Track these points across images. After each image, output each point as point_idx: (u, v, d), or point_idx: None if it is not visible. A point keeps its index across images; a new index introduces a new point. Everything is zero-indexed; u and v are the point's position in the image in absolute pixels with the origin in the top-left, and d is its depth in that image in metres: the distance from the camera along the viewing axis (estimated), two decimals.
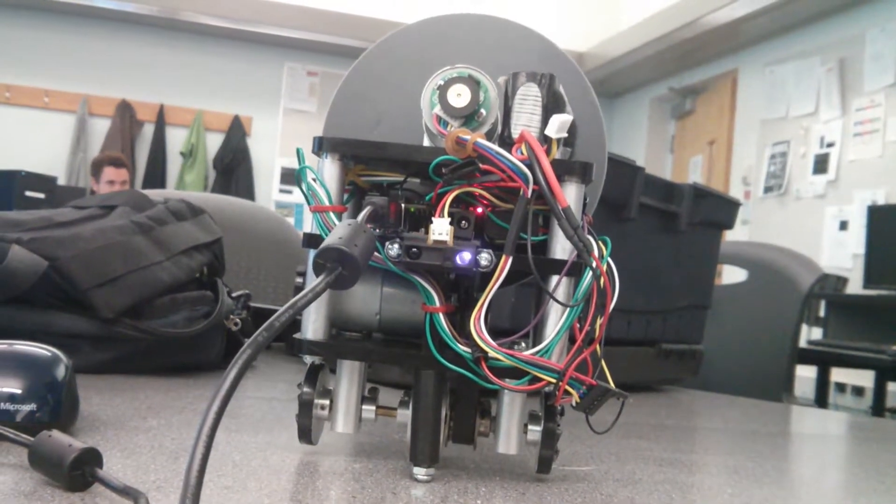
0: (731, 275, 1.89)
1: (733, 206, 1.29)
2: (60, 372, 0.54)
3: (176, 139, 6.52)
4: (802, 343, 2.58)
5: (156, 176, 6.36)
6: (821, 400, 3.43)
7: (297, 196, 6.66)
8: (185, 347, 0.85)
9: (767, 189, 5.39)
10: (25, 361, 0.54)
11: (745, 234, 5.31)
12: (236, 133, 6.57)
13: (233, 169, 6.50)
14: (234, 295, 0.97)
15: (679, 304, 1.20)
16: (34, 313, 0.76)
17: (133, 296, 0.80)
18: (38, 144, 6.09)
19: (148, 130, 6.50)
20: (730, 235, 1.45)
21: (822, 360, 3.39)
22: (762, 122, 5.51)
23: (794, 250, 1.83)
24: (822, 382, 3.47)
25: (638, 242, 1.09)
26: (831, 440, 0.95)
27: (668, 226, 1.14)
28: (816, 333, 3.98)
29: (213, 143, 6.57)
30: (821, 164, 4.98)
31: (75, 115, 6.29)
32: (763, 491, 0.58)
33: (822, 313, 3.98)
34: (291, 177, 6.67)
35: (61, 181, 5.61)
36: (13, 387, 0.51)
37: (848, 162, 4.78)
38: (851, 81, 4.82)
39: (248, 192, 6.41)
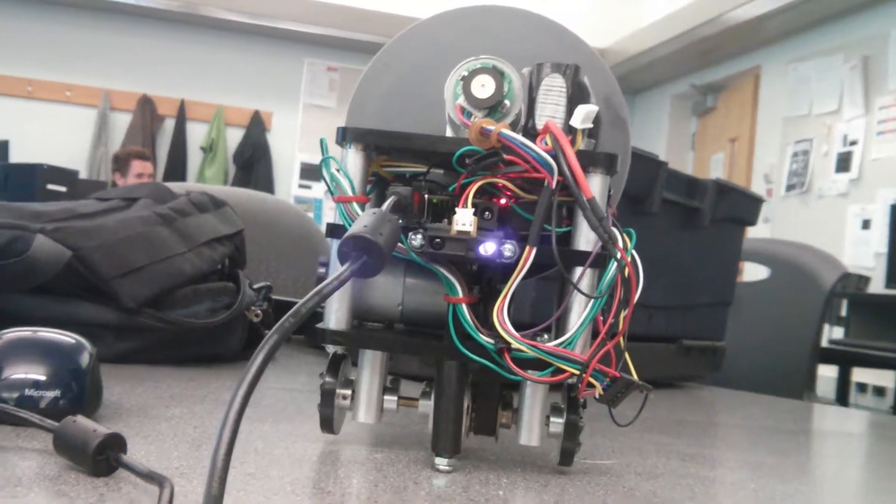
0: (754, 272, 1.88)
1: (756, 202, 1.28)
2: (84, 359, 0.54)
3: (196, 134, 6.55)
4: (824, 342, 2.57)
5: (176, 170, 6.39)
6: (842, 400, 3.40)
7: (316, 191, 6.67)
8: (207, 338, 0.85)
9: (790, 187, 5.36)
10: (49, 348, 0.54)
11: (767, 233, 5.27)
12: (256, 128, 6.59)
13: (253, 164, 6.52)
14: (255, 287, 0.97)
15: (701, 301, 1.19)
16: (58, 303, 0.77)
17: (156, 286, 0.80)
18: (60, 138, 6.13)
19: (169, 125, 6.53)
20: (751, 233, 1.43)
21: (844, 359, 3.36)
22: (784, 119, 5.47)
23: (816, 247, 1.82)
24: (844, 382, 3.44)
25: (660, 237, 1.08)
26: (853, 438, 0.95)
27: (690, 221, 1.13)
28: (838, 333, 3.94)
29: (234, 137, 6.60)
30: (843, 163, 4.94)
31: (97, 109, 6.33)
32: (786, 486, 0.58)
33: (843, 312, 3.95)
34: (311, 172, 6.69)
35: (83, 175, 5.64)
36: (37, 373, 0.52)
37: (871, 160, 4.74)
38: (875, 79, 4.77)
39: (267, 186, 6.43)
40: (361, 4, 5.91)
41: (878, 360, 3.27)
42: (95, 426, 0.42)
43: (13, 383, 0.51)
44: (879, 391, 4.41)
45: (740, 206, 1.23)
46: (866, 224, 4.73)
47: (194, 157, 6.56)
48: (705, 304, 1.20)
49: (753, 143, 5.88)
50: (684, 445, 0.70)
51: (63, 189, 3.64)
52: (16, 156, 4.96)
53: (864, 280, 4.22)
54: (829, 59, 5.11)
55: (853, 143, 4.88)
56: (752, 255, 1.79)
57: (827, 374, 3.30)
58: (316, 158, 6.67)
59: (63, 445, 0.43)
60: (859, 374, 4.00)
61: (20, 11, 6.16)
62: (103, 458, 0.41)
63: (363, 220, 0.42)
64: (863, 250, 4.68)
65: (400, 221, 0.48)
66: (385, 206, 0.46)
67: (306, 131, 6.70)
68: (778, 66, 5.61)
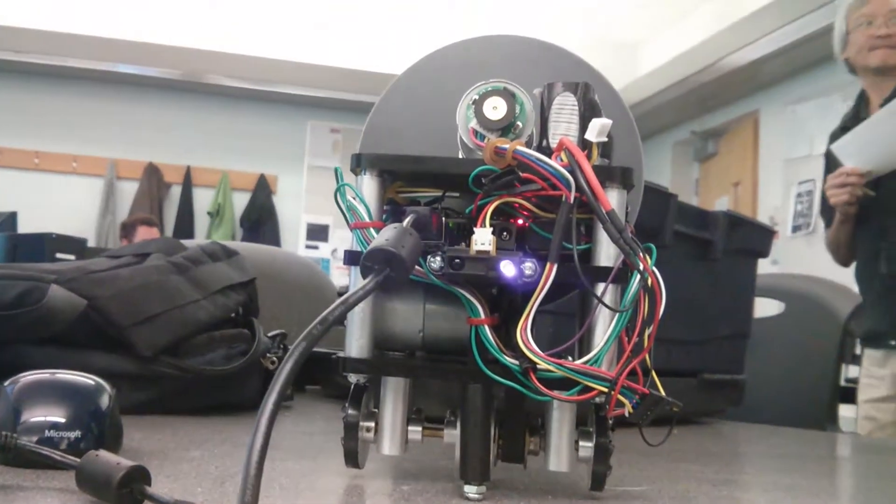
0: (767, 309, 1.87)
1: (767, 233, 1.27)
2: (104, 401, 0.54)
3: (203, 199, 6.58)
4: (841, 381, 2.53)
5: (184, 236, 6.40)
6: None
7: (323, 251, 6.68)
8: (224, 385, 0.85)
9: (795, 228, 5.35)
10: (68, 390, 0.54)
11: None
12: (262, 191, 6.63)
13: (259, 226, 6.55)
14: (270, 335, 0.96)
15: (718, 334, 1.18)
16: (73, 352, 0.76)
17: (171, 334, 0.80)
18: (68, 208, 6.16)
19: (175, 192, 6.57)
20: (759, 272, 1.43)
21: None
22: (786, 161, 5.49)
23: (828, 279, 1.80)
24: None
25: (674, 270, 1.07)
26: (882, 460, 0.93)
27: (703, 253, 1.13)
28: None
29: (240, 201, 6.63)
30: None
31: (103, 178, 6.37)
32: None
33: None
34: (317, 232, 6.70)
35: (91, 243, 5.66)
36: (57, 415, 0.51)
37: None
38: None
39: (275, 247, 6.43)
40: (363, 66, 5.98)
41: None
42: (119, 459, 0.41)
43: (32, 426, 0.50)
44: None
45: (752, 237, 1.23)
46: None
47: (201, 223, 6.59)
48: (723, 337, 1.19)
49: (757, 187, 5.89)
50: (713, 472, 0.69)
51: (72, 257, 3.66)
52: (24, 226, 4.98)
53: None
54: (826, 100, 5.14)
55: None
56: (766, 291, 1.78)
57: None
58: (322, 219, 6.69)
59: (86, 480, 0.42)
60: None
61: (25, 85, 6.24)
62: (128, 492, 0.40)
63: (385, 234, 0.41)
64: None
65: None
66: (406, 221, 0.45)
67: (311, 193, 6.74)
68: (776, 109, 5.64)
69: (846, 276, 4.52)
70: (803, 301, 1.72)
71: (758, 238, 1.25)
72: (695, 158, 6.78)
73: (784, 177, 5.50)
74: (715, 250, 1.13)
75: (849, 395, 3.19)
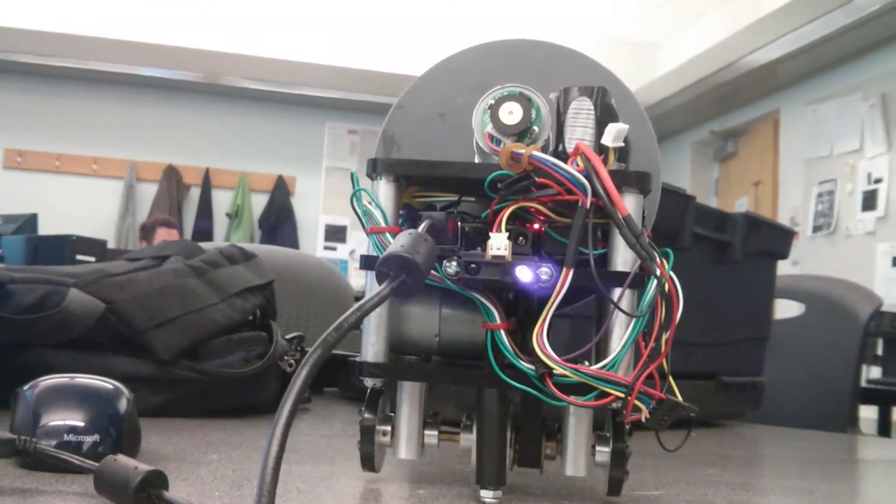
0: (788, 310, 1.85)
1: (787, 234, 1.27)
2: (122, 405, 0.54)
3: (222, 201, 6.62)
4: (862, 382, 2.52)
5: (203, 237, 6.44)
6: None
7: (341, 252, 6.70)
8: (241, 388, 0.85)
9: (816, 228, 5.31)
10: (87, 394, 0.54)
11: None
12: (280, 192, 6.66)
13: (278, 227, 6.57)
14: (287, 337, 0.97)
15: (738, 336, 1.17)
16: (92, 356, 0.77)
17: (189, 337, 0.80)
18: (88, 210, 6.21)
19: (194, 193, 6.61)
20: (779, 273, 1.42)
21: (883, 399, 3.29)
22: (807, 161, 5.45)
23: (849, 280, 1.79)
24: (884, 422, 3.36)
25: (692, 273, 1.07)
26: None
27: (722, 255, 1.12)
28: (876, 372, 3.87)
29: (258, 203, 6.66)
30: (869, 201, 4.90)
31: (123, 180, 6.42)
32: None
33: (879, 351, 3.88)
34: (335, 233, 6.72)
35: (111, 245, 5.70)
36: (75, 419, 0.51)
37: None
38: (895, 116, 4.76)
39: (293, 249, 6.45)
40: (380, 68, 5.99)
41: None
42: (137, 464, 0.42)
43: (51, 430, 0.50)
44: None
45: (771, 239, 1.22)
46: None
47: (220, 224, 6.63)
48: (742, 340, 1.18)
49: (777, 186, 5.86)
50: (732, 476, 0.68)
51: (92, 259, 3.67)
52: (45, 228, 5.02)
53: None
54: (847, 99, 5.11)
55: (878, 180, 4.84)
56: (786, 292, 1.76)
57: (866, 414, 3.24)
58: (339, 220, 6.71)
59: (104, 485, 0.42)
60: None
61: (46, 88, 6.29)
62: (145, 496, 0.40)
63: (400, 240, 0.41)
64: (894, 288, 4.61)
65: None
66: (421, 227, 0.45)
67: (329, 193, 6.76)
68: (797, 109, 5.61)
69: (866, 277, 4.48)
70: (824, 302, 1.71)
71: (777, 240, 1.25)
72: (714, 158, 6.75)
73: (805, 177, 5.47)
74: (734, 252, 1.12)
75: (870, 397, 3.17)
